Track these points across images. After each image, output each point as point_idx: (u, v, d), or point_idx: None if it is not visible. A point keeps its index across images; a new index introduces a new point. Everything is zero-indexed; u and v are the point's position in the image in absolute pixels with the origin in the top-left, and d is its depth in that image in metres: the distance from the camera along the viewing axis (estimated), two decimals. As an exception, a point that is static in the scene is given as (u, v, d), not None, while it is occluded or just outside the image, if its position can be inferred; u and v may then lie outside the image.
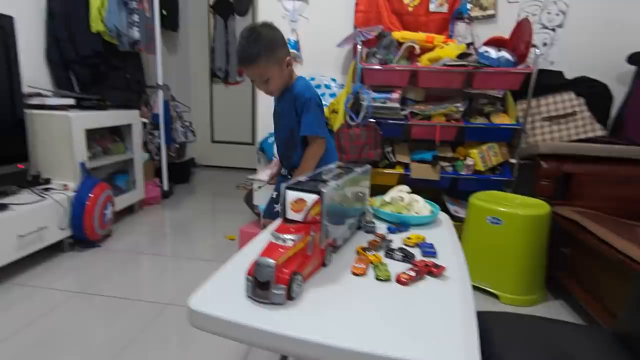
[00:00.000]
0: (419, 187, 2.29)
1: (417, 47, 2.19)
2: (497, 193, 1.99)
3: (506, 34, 2.21)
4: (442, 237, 1.04)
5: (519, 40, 2.09)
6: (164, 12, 3.10)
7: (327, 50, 2.50)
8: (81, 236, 2.10)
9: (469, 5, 2.32)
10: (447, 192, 2.41)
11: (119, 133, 2.69)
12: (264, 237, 0.95)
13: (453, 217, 2.26)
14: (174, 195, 3.28)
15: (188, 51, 4.14)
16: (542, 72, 2.12)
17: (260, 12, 2.61)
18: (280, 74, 1.30)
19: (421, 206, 1.18)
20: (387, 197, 1.21)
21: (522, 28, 2.09)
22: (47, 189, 2.07)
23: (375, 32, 2.22)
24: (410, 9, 2.36)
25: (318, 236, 0.78)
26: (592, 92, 2.16)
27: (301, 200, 0.76)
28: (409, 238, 0.98)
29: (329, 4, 2.50)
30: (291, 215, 0.76)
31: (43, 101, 2.17)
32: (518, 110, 2.15)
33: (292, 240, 0.71)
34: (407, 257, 0.88)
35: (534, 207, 1.77)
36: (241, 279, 0.71)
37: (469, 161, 2.21)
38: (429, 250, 0.92)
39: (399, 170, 2.25)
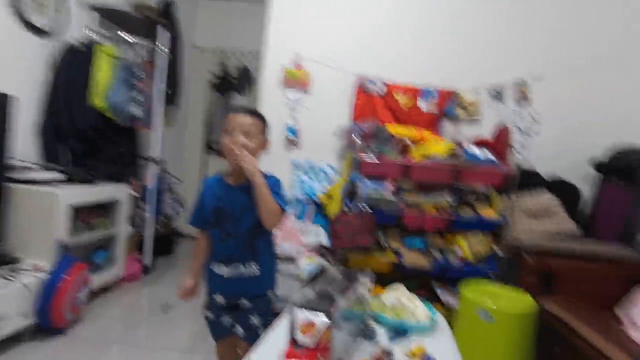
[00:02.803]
0: (411, 274, 2.37)
1: (409, 142, 2.38)
2: (487, 284, 2.05)
3: (489, 134, 2.44)
4: (443, 348, 1.08)
5: (500, 142, 2.31)
6: (169, 92, 3.27)
7: (324, 137, 2.68)
8: (46, 323, 1.89)
9: (455, 108, 2.58)
10: (436, 279, 2.45)
11: (105, 207, 2.61)
12: (270, 351, 0.93)
13: (443, 305, 2.30)
14: (155, 270, 3.12)
15: (185, 124, 4.28)
16: (521, 171, 2.31)
17: (262, 98, 2.81)
18: (260, 147, 1.37)
19: (420, 310, 1.23)
20: (386, 298, 1.26)
21: (503, 133, 2.32)
22: (14, 270, 1.89)
23: (371, 126, 2.42)
24: (403, 107, 2.60)
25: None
26: (565, 191, 2.36)
27: (311, 323, 0.78)
28: (412, 352, 1.02)
29: (328, 95, 2.73)
30: (301, 338, 0.77)
31: (29, 175, 2.11)
32: (502, 205, 2.30)
33: (303, 369, 0.73)
34: (412, 375, 0.91)
35: (521, 303, 1.82)
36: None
37: (458, 250, 2.30)
38: (431, 367, 0.95)
39: (392, 257, 2.31)
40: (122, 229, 2.69)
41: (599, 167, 2.36)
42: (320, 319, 0.77)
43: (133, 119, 2.85)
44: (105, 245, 2.62)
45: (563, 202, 2.29)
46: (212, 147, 4.32)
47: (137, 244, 3.04)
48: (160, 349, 2.01)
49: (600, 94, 2.54)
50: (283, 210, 1.34)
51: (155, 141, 3.07)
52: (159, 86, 3.04)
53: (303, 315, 0.78)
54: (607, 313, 1.76)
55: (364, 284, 1.10)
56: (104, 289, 2.57)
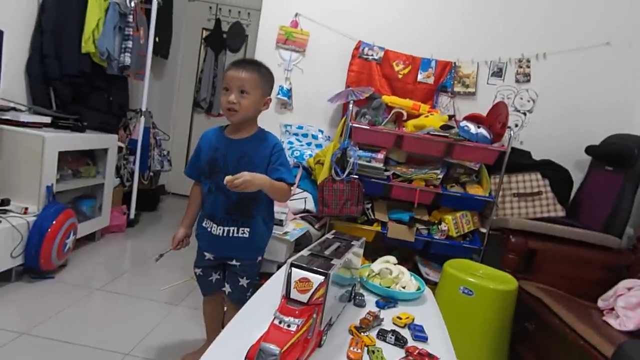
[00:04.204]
0: (393, 246, 2.37)
1: (404, 112, 2.31)
2: (469, 262, 2.06)
3: (484, 110, 2.39)
4: (430, 317, 1.07)
5: (495, 119, 2.26)
6: (157, 40, 3.11)
7: (317, 101, 2.58)
8: (34, 265, 1.93)
9: (452, 81, 2.51)
10: (419, 253, 2.46)
11: (92, 156, 2.59)
12: (259, 310, 0.91)
13: (424, 280, 2.32)
14: (139, 224, 3.14)
15: (174, 79, 4.13)
16: (512, 151, 2.28)
17: (257, 58, 2.67)
18: (257, 102, 1.31)
19: (407, 280, 1.20)
20: (376, 267, 1.23)
21: (499, 109, 2.27)
22: (4, 211, 1.91)
23: (367, 93, 2.33)
24: (400, 76, 2.51)
25: (319, 318, 0.77)
26: (556, 175, 2.34)
27: (306, 280, 0.76)
28: (399, 318, 0.99)
29: (324, 59, 2.61)
30: (295, 295, 0.75)
31: (17, 117, 2.06)
32: (491, 183, 2.28)
33: (297, 324, 0.71)
34: (400, 341, 0.89)
35: (504, 281, 1.84)
36: (238, 357, 0.69)
37: (443, 226, 2.29)
38: (419, 334, 0.93)
39: (377, 227, 2.29)
40: (109, 180, 2.67)
41: (591, 150, 2.35)
42: (316, 276, 0.75)
43: (123, 68, 2.73)
44: (91, 194, 2.62)
45: (553, 184, 2.29)
46: (199, 105, 4.16)
47: (122, 197, 3.03)
48: (142, 299, 2.03)
49: (600, 79, 2.48)
50: (290, 184, 1.35)
51: (144, 93, 2.96)
52: (151, 35, 2.88)
53: (299, 272, 0.76)
54: (587, 303, 1.79)
55: (356, 251, 1.06)
56: (89, 238, 2.59)
